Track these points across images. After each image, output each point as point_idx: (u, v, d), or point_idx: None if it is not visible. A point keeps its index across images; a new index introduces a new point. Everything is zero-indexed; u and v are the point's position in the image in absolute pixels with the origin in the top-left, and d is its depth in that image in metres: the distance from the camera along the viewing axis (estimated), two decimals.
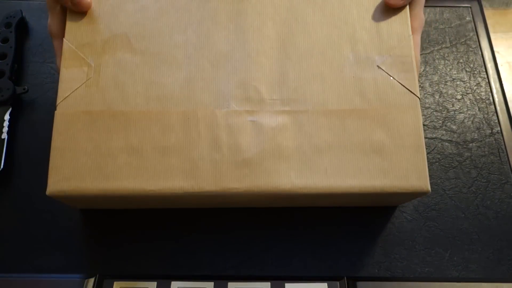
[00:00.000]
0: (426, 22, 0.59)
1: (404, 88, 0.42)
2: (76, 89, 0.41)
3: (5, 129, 0.49)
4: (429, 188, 0.39)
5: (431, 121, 0.52)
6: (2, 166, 0.47)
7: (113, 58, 0.43)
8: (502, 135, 0.52)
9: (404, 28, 0.44)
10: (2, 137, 0.48)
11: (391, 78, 0.42)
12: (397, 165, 0.39)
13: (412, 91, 0.42)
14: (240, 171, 0.39)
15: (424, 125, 0.52)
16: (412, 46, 0.43)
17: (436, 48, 0.57)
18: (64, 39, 0.43)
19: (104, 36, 0.43)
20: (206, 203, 0.44)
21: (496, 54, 0.57)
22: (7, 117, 0.50)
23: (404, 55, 0.43)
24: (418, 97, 0.42)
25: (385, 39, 0.43)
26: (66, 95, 0.41)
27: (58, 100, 0.41)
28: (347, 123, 0.41)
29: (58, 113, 0.41)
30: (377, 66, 0.42)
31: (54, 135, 0.40)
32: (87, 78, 0.42)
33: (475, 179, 0.49)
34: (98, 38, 0.43)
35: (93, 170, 0.39)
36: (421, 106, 0.53)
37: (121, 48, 0.43)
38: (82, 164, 0.39)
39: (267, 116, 0.41)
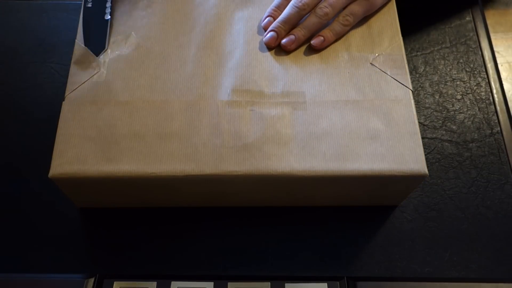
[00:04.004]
0: (426, 22, 0.59)
1: (397, 82, 0.44)
2: (84, 82, 0.44)
3: (108, 10, 0.47)
4: (427, 171, 0.40)
5: (431, 121, 0.52)
6: (106, 47, 0.46)
7: (120, 55, 0.45)
8: (502, 135, 0.52)
9: (393, 30, 0.47)
10: (106, 18, 0.47)
11: (384, 73, 0.44)
12: (394, 151, 0.41)
13: (405, 84, 0.44)
14: (240, 155, 0.40)
15: (424, 125, 0.52)
16: (402, 45, 0.46)
17: (436, 48, 0.57)
18: (76, 40, 0.46)
19: (113, 37, 0.46)
20: (207, 192, 0.44)
21: (496, 54, 0.57)
22: None
23: (395, 54, 0.46)
24: (411, 90, 0.44)
25: (377, 40, 0.47)
26: (74, 88, 0.43)
27: (67, 93, 0.43)
28: (344, 112, 0.42)
29: (65, 103, 0.43)
30: (371, 63, 0.45)
31: (60, 123, 0.42)
32: (95, 72, 0.44)
33: (475, 179, 0.49)
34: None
35: (96, 154, 0.40)
36: (421, 106, 0.53)
37: (128, 46, 0.46)
38: (85, 148, 0.40)
39: (267, 106, 0.43)
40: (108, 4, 0.47)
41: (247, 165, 0.40)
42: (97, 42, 0.45)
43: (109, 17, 0.47)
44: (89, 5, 0.47)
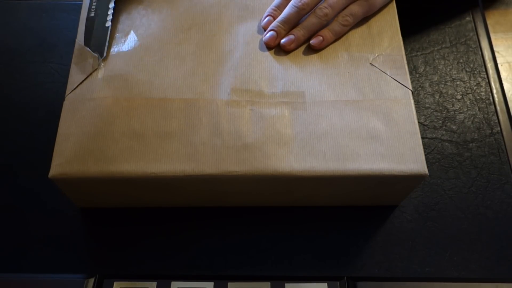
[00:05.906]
0: (426, 22, 0.59)
1: (397, 82, 0.44)
2: (83, 80, 0.43)
3: (110, 17, 0.47)
4: (427, 171, 0.40)
5: (431, 121, 0.52)
6: (105, 54, 0.45)
7: (118, 52, 0.45)
8: (502, 135, 0.52)
9: (393, 30, 0.47)
10: (107, 25, 0.46)
11: (384, 73, 0.44)
12: (394, 150, 0.41)
13: (405, 84, 0.44)
14: (240, 155, 0.40)
15: (424, 125, 0.52)
16: (402, 46, 0.46)
17: (436, 48, 0.57)
18: (76, 40, 0.45)
19: (111, 35, 0.46)
20: (207, 192, 0.44)
21: (496, 54, 0.57)
22: (111, 5, 0.47)
23: (395, 54, 0.46)
24: (411, 90, 0.44)
25: (377, 40, 0.47)
26: (74, 87, 0.43)
27: (67, 93, 0.43)
28: (344, 112, 0.42)
29: (65, 103, 0.42)
30: (370, 63, 0.45)
31: (61, 123, 0.42)
32: (93, 69, 0.44)
33: (475, 179, 0.49)
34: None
35: (95, 154, 0.40)
36: (421, 106, 0.53)
37: (126, 43, 0.46)
38: (84, 147, 0.40)
39: (267, 106, 0.42)
40: (111, 12, 0.47)
41: (247, 165, 0.40)
42: (98, 47, 0.45)
43: (110, 24, 0.46)
44: (92, 14, 0.47)
